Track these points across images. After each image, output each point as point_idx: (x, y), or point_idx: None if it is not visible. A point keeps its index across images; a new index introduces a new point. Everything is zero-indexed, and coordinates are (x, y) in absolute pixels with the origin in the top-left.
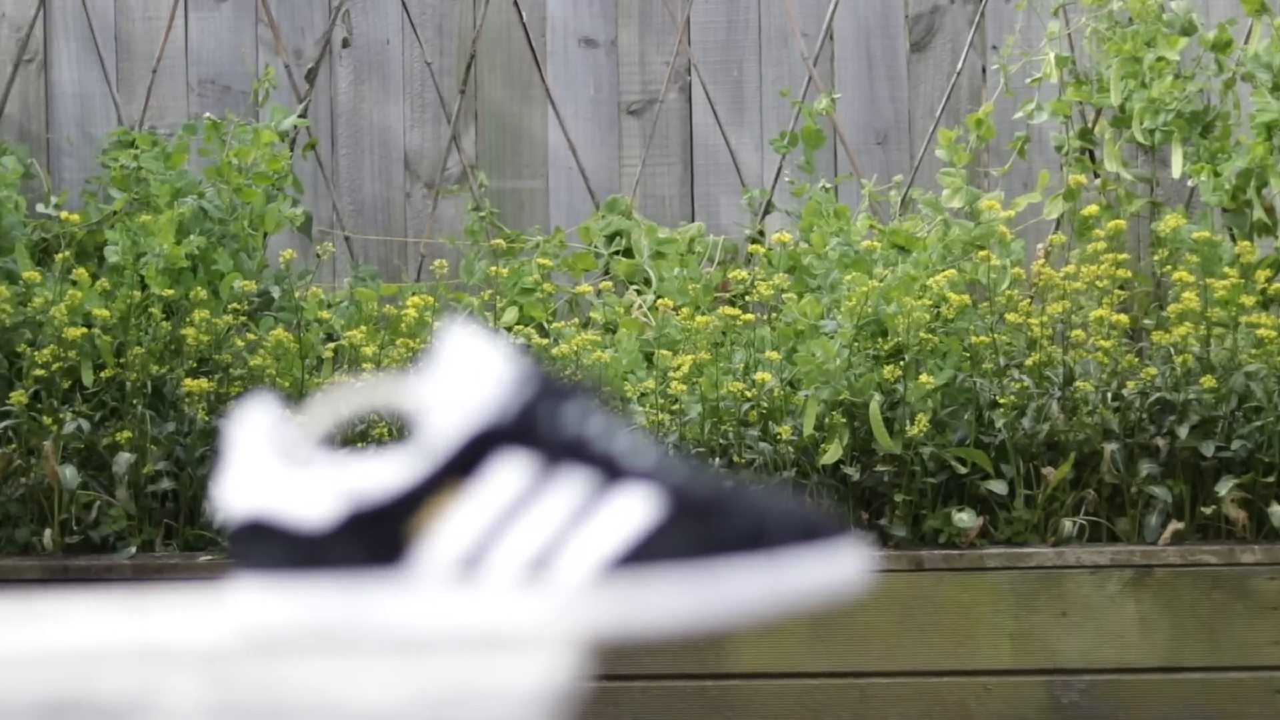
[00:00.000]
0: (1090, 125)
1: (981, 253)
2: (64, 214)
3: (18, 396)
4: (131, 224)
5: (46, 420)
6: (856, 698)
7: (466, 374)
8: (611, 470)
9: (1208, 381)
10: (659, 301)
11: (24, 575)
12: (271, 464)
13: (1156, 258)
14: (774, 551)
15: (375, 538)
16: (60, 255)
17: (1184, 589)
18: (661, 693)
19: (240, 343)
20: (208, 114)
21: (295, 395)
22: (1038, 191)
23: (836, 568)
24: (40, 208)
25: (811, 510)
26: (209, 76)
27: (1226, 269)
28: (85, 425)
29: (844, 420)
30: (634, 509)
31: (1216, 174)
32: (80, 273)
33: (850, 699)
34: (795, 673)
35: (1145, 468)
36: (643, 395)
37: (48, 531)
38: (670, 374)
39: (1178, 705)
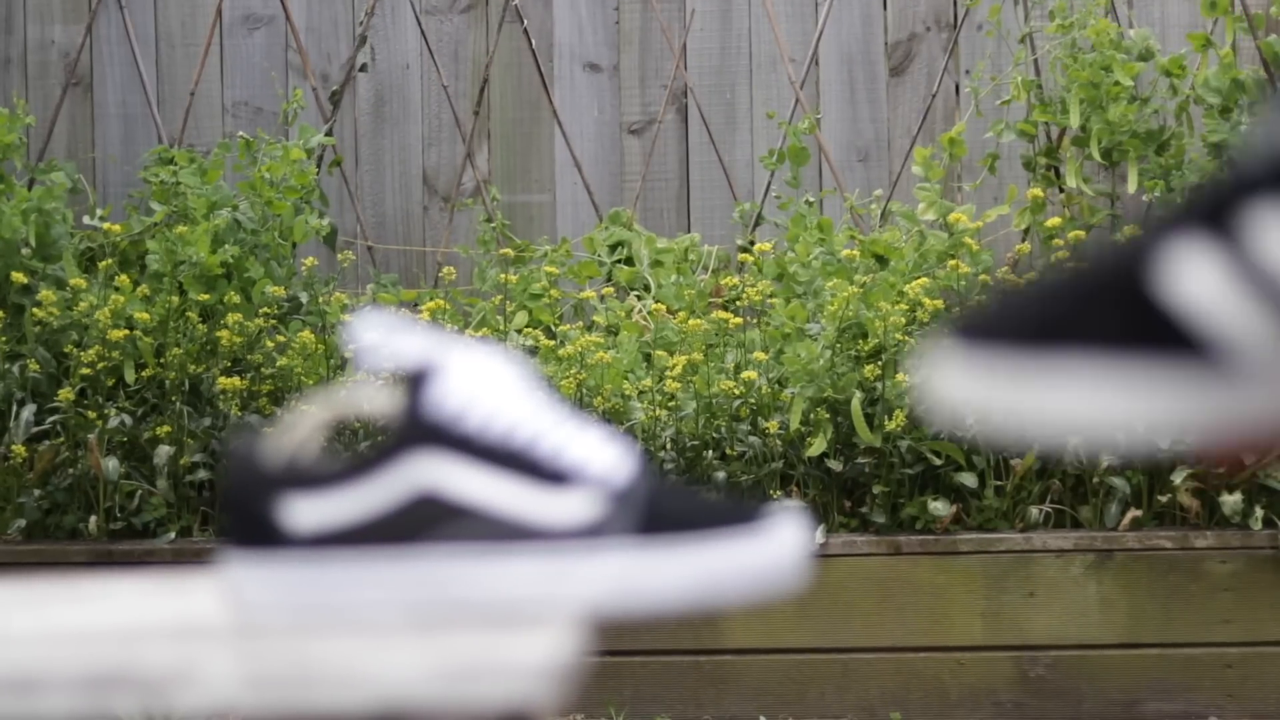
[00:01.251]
0: (1055, 144)
1: (953, 262)
2: (107, 225)
3: (65, 394)
4: (170, 234)
5: (91, 415)
6: (840, 671)
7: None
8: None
9: None
10: (657, 306)
11: (71, 559)
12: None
13: None
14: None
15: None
16: (104, 263)
17: (1142, 571)
18: (659, 667)
19: (270, 344)
20: (241, 133)
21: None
22: (1006, 205)
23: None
24: (86, 219)
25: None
26: (242, 99)
27: None
28: (128, 420)
29: (828, 416)
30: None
31: (1170, 189)
32: (123, 279)
33: (834, 672)
34: (783, 648)
35: (1105, 459)
36: (641, 393)
37: (93, 518)
38: (667, 373)
39: (1136, 678)
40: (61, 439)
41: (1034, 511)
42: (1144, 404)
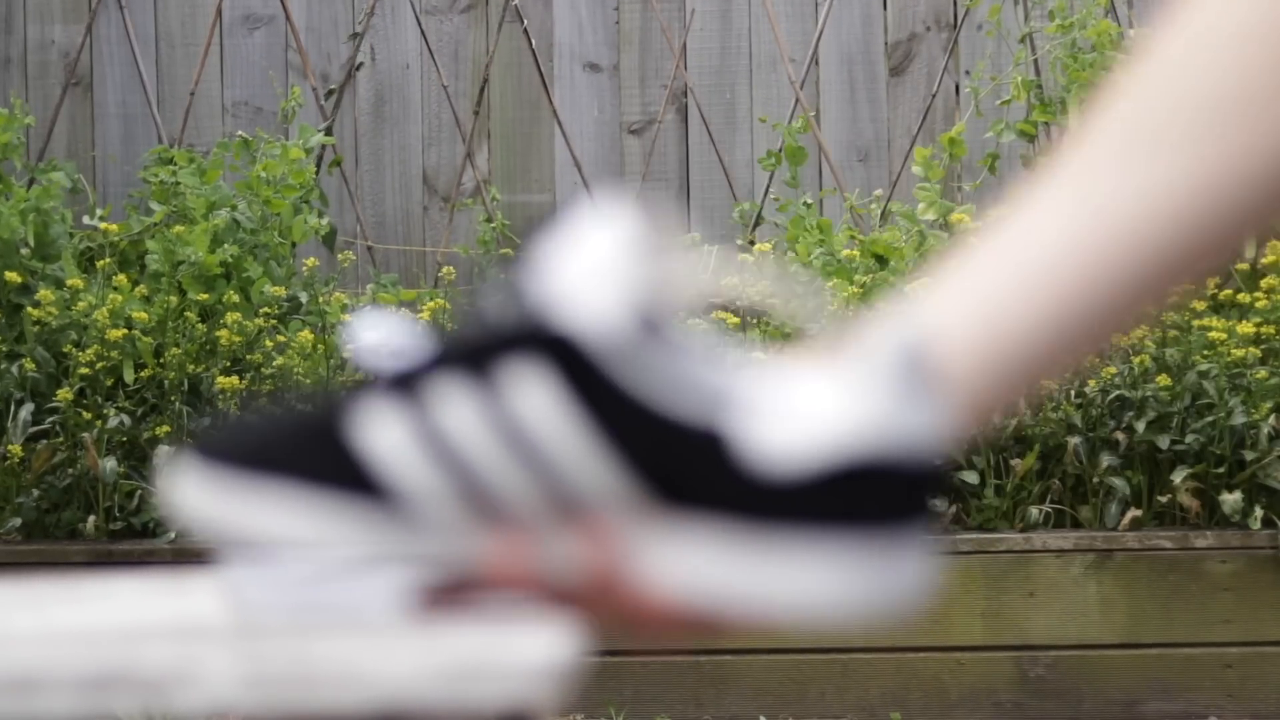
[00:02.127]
0: (1055, 144)
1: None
2: (106, 225)
3: (64, 394)
4: (169, 234)
5: (89, 416)
6: (839, 671)
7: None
8: None
9: (1163, 380)
10: None
11: (71, 559)
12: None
13: None
14: None
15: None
16: (103, 263)
17: (1142, 571)
18: (659, 667)
19: (270, 344)
20: (240, 132)
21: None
22: (1007, 205)
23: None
24: (86, 219)
25: None
26: (242, 98)
27: None
28: (127, 420)
29: None
30: None
31: None
32: (121, 279)
33: (834, 672)
34: (783, 648)
35: (1106, 459)
36: None
37: (92, 518)
38: None
39: (1136, 678)
40: (60, 439)
41: (1034, 511)
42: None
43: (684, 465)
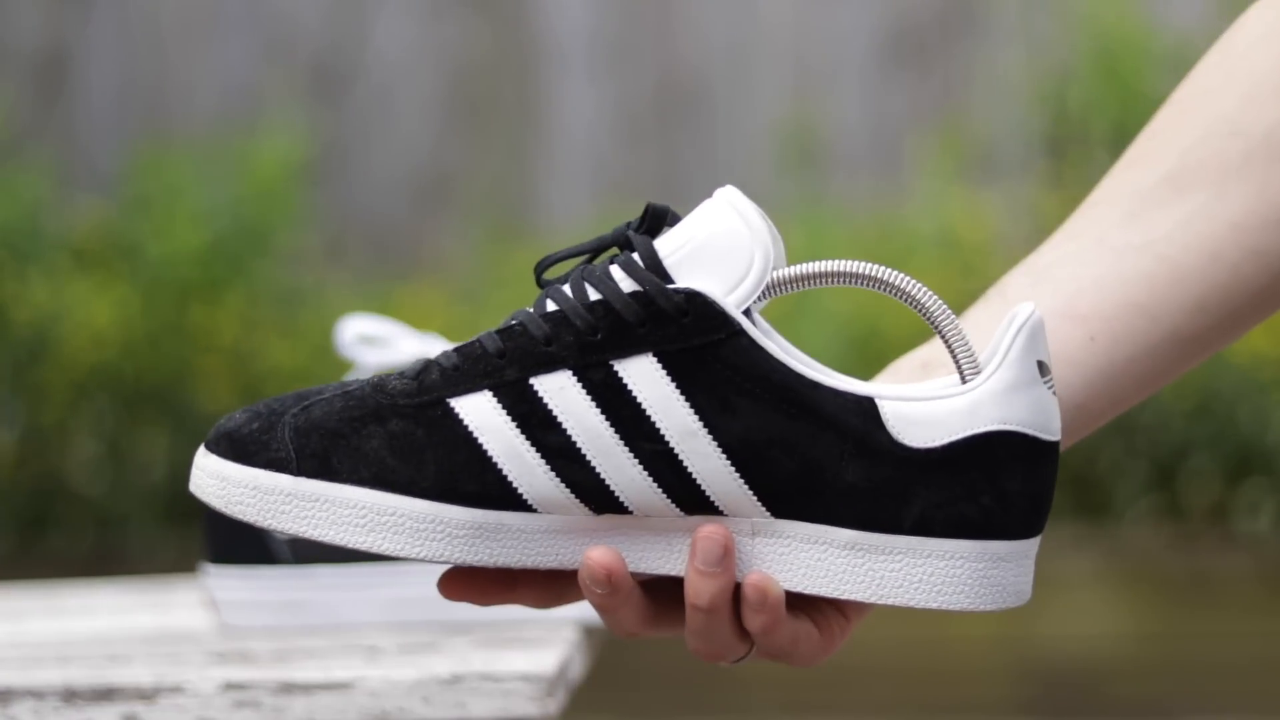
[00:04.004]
0: (1065, 142)
1: (963, 260)
2: (93, 218)
3: (49, 391)
4: (159, 229)
5: (75, 414)
6: (840, 671)
7: None
8: None
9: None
10: None
11: (55, 564)
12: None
13: None
14: None
15: None
16: (89, 256)
17: (1148, 571)
18: (659, 667)
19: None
20: (232, 128)
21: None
22: (1015, 202)
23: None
24: (72, 212)
25: None
26: (234, 94)
27: None
28: (112, 420)
29: None
30: None
31: None
32: (108, 273)
33: (834, 672)
34: None
35: (1112, 453)
36: None
37: (77, 522)
38: None
39: (1141, 679)
40: (45, 439)
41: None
42: None
43: (825, 442)
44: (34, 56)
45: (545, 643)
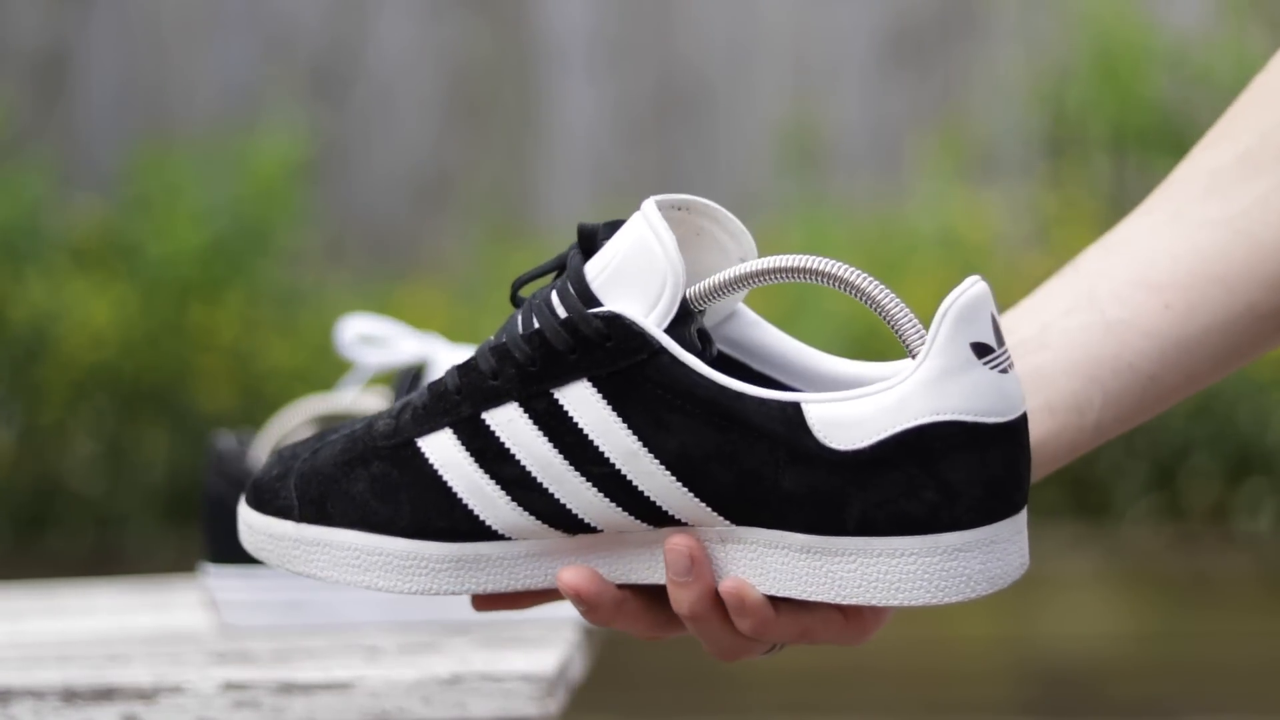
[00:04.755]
0: (1064, 141)
1: (961, 259)
2: (93, 217)
3: (48, 390)
4: (159, 228)
5: (75, 414)
6: (840, 671)
7: None
8: None
9: None
10: None
11: (54, 564)
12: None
13: None
14: None
15: None
16: (88, 255)
17: (1147, 571)
18: (659, 666)
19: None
20: (232, 128)
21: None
22: (1015, 201)
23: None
24: (72, 212)
25: None
26: (234, 93)
27: None
28: (113, 419)
29: None
30: None
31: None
32: (108, 273)
33: (834, 672)
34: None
35: (1112, 453)
36: None
37: (76, 521)
38: None
39: (1140, 679)
40: (43, 439)
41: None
42: None
43: (758, 452)
44: (34, 56)
45: (545, 643)
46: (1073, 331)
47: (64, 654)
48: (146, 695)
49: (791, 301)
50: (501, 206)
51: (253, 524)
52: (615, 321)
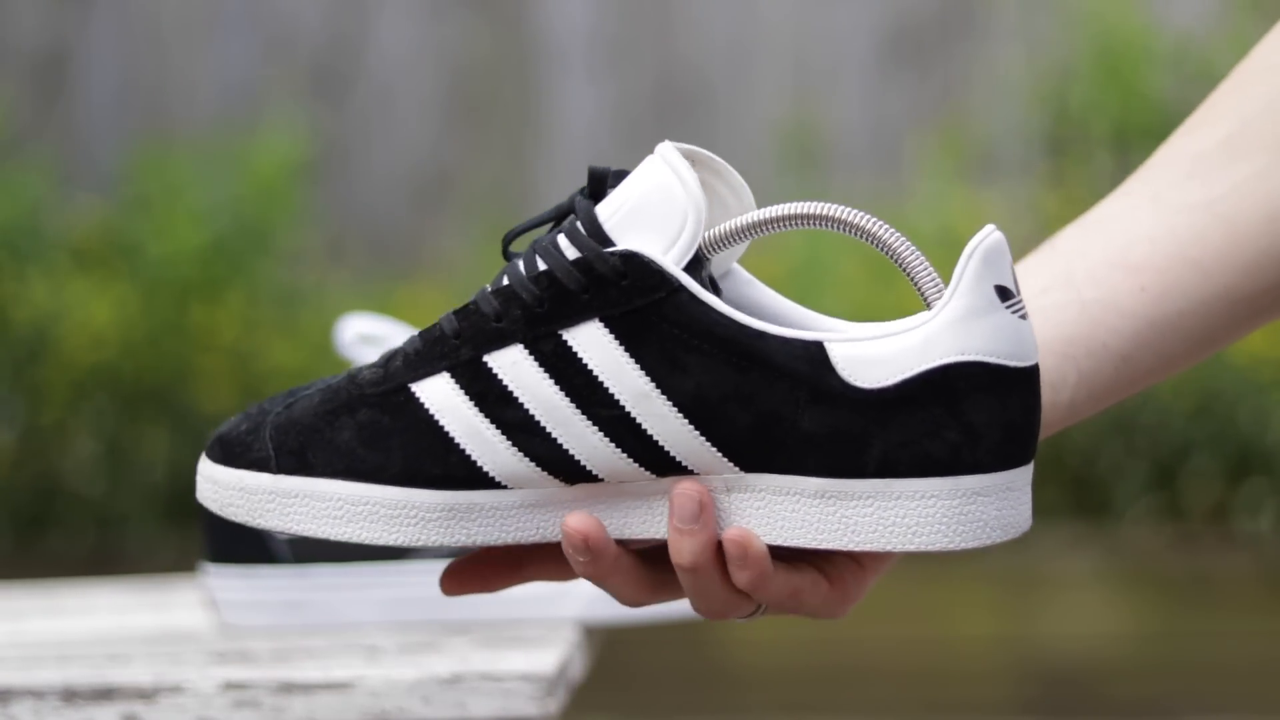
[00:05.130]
0: (1063, 140)
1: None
2: (93, 217)
3: (49, 390)
4: (158, 227)
5: (75, 414)
6: (840, 671)
7: None
8: None
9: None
10: None
11: (55, 563)
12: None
13: None
14: None
15: None
16: (89, 255)
17: (1147, 571)
18: (659, 666)
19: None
20: (232, 128)
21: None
22: (1014, 201)
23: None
24: (72, 212)
25: None
26: (234, 93)
27: None
28: (114, 419)
29: None
30: None
31: None
32: (108, 272)
33: (834, 672)
34: (782, 647)
35: (1112, 453)
36: None
37: (76, 521)
38: None
39: (1141, 680)
40: (44, 439)
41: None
42: None
43: (778, 392)
44: (34, 56)
45: (545, 643)
46: (1048, 310)
47: (64, 654)
48: (146, 695)
49: (794, 295)
50: (501, 206)
51: (219, 479)
52: (633, 259)
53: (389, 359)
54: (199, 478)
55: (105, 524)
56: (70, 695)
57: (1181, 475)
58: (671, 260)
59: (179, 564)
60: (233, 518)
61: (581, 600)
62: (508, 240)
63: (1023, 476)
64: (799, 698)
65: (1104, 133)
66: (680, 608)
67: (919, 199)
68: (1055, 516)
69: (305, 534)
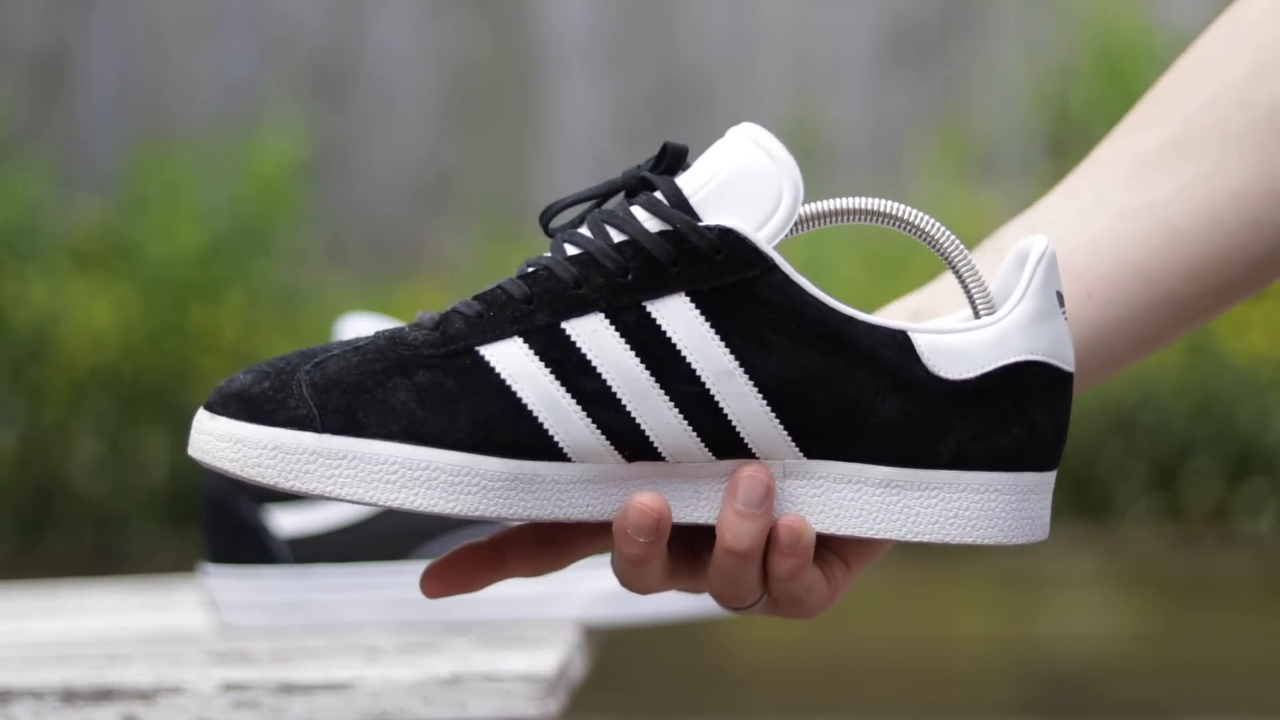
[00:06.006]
0: (1064, 140)
1: None
2: (93, 218)
3: (49, 391)
4: (158, 226)
5: (76, 414)
6: (840, 671)
7: None
8: None
9: (1172, 372)
10: None
11: (56, 564)
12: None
13: None
14: None
15: None
16: (89, 255)
17: (1148, 566)
18: (659, 666)
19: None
20: (232, 128)
21: None
22: (1015, 201)
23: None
24: (72, 212)
25: None
26: (234, 94)
27: None
28: (114, 420)
29: None
30: None
31: None
32: (108, 273)
33: (834, 672)
34: (782, 647)
35: (1112, 453)
36: None
37: (77, 521)
38: None
39: (1141, 680)
40: (44, 439)
41: None
42: None
43: (859, 378)
44: (34, 56)
45: (545, 643)
46: None
47: (64, 654)
48: (146, 695)
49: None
50: (501, 206)
51: (244, 437)
52: (729, 235)
53: (443, 320)
54: (202, 435)
55: (105, 524)
56: (70, 696)
57: (1182, 475)
58: (765, 238)
59: (179, 564)
60: (258, 479)
61: (581, 600)
62: (551, 214)
63: (1053, 479)
64: (799, 698)
65: (1105, 133)
66: (680, 608)
67: (919, 199)
68: (1055, 517)
69: (349, 498)
